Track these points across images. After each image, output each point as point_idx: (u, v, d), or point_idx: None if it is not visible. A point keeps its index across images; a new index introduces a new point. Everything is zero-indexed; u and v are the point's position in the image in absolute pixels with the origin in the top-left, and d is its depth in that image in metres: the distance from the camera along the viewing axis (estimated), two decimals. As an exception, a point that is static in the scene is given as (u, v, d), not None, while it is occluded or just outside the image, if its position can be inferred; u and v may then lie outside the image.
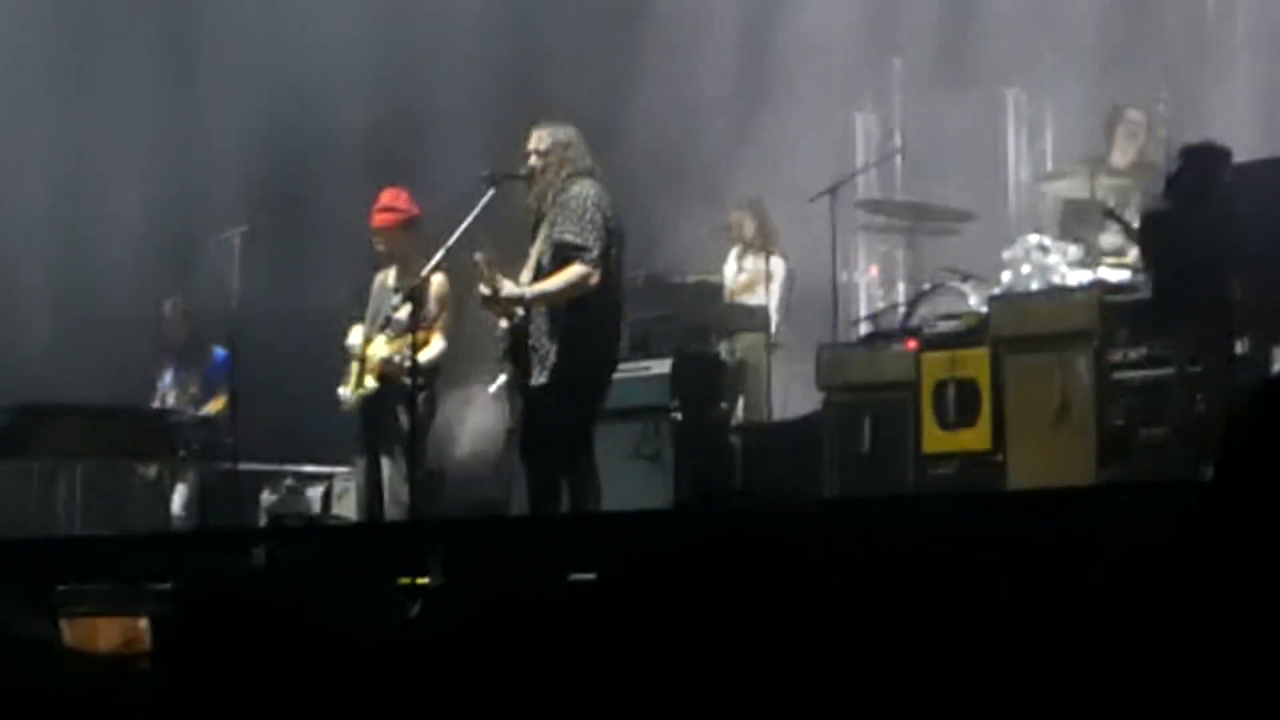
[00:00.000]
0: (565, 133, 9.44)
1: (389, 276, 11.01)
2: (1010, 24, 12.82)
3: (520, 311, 9.28)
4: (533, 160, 9.39)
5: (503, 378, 10.32)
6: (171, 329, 13.59)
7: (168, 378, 13.42)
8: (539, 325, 9.23)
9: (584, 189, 9.28)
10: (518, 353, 9.30)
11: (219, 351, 13.04)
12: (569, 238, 9.17)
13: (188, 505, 12.55)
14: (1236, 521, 2.04)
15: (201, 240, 12.67)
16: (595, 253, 9.17)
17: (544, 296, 9.22)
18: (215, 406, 12.93)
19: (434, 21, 14.09)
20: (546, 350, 9.20)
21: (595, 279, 9.19)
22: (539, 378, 9.20)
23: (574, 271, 9.17)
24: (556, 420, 9.24)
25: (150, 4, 14.93)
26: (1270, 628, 1.99)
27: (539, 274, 9.27)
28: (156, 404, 13.34)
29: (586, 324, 9.26)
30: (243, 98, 14.19)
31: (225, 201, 13.34)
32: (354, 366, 10.97)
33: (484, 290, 9.26)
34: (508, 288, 9.23)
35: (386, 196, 11.00)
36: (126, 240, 14.26)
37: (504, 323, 9.37)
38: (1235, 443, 2.11)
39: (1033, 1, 12.82)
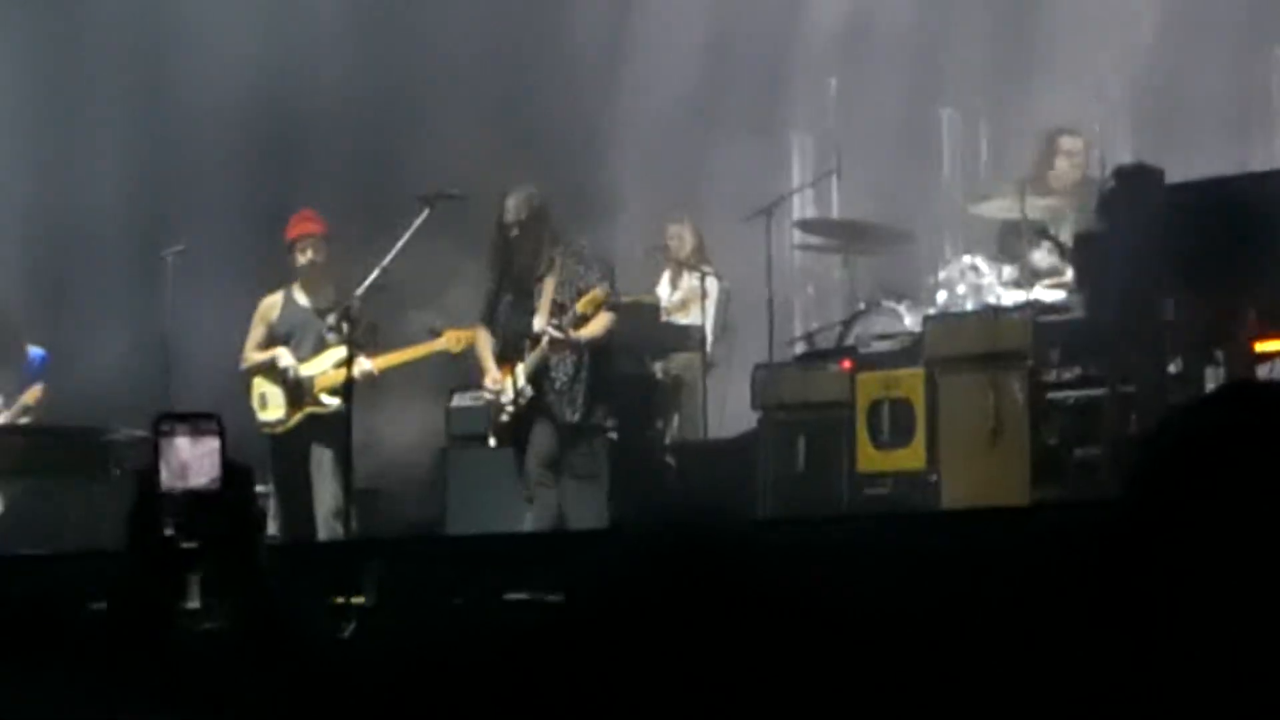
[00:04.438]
0: (540, 195, 10.11)
1: (293, 294, 11.35)
2: (945, 44, 12.86)
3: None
4: (514, 222, 9.98)
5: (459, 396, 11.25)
6: None
7: None
8: (565, 369, 9.97)
9: (588, 244, 10.27)
10: (543, 391, 9.97)
11: (35, 351, 12.91)
12: (606, 289, 10.00)
13: (118, 523, 12.36)
14: (1143, 540, 2.06)
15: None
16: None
17: (593, 341, 10.01)
18: (30, 398, 12.69)
19: (317, 41, 14.04)
20: (577, 390, 9.98)
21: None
22: (570, 416, 9.97)
23: (611, 319, 10.04)
24: (584, 449, 10.08)
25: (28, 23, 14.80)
26: (1178, 639, 2.01)
27: (558, 317, 9.93)
28: None
29: (609, 366, 10.19)
30: (126, 113, 14.12)
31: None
32: (284, 390, 11.10)
33: (556, 334, 9.88)
34: (572, 334, 9.93)
35: (303, 212, 11.49)
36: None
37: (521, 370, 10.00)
38: (1143, 465, 2.13)
39: (966, 22, 12.86)
